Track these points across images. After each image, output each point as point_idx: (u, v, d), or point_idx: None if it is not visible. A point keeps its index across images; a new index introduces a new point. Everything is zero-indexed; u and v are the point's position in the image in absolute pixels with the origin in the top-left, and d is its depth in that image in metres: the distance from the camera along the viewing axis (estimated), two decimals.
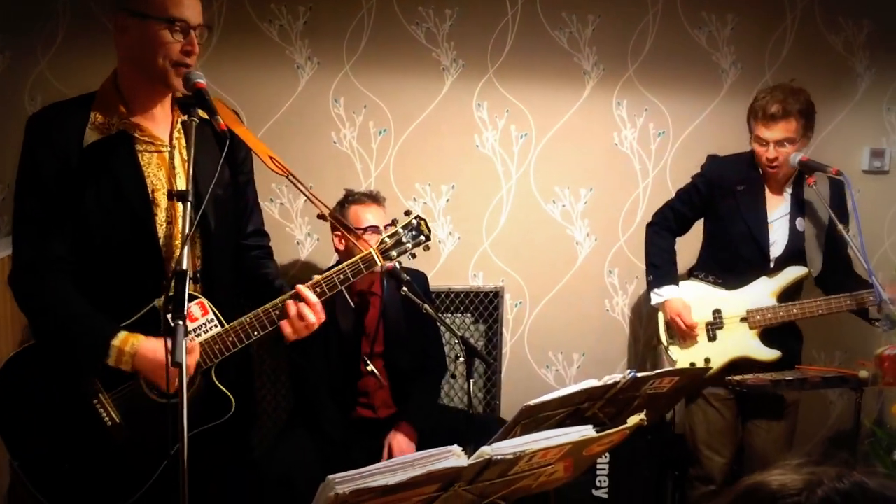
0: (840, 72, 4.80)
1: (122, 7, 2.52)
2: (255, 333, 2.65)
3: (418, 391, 3.85)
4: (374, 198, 3.79)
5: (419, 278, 3.93)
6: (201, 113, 2.49)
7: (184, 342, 2.10)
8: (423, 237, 2.81)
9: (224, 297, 2.71)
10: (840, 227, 3.72)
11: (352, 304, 3.66)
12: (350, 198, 3.80)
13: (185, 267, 2.19)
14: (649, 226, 4.13)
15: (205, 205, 2.44)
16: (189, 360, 2.41)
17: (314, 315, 2.65)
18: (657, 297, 3.97)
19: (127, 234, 2.57)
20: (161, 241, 2.59)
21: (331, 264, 3.90)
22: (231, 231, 2.78)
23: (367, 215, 3.72)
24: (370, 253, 2.74)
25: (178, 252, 2.53)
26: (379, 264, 2.76)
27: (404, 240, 2.79)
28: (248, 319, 2.64)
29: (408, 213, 2.84)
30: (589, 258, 4.57)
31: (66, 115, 2.57)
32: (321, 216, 2.93)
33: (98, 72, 3.69)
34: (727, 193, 3.91)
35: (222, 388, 2.66)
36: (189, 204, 2.30)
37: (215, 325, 2.64)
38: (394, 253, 2.78)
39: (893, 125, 4.89)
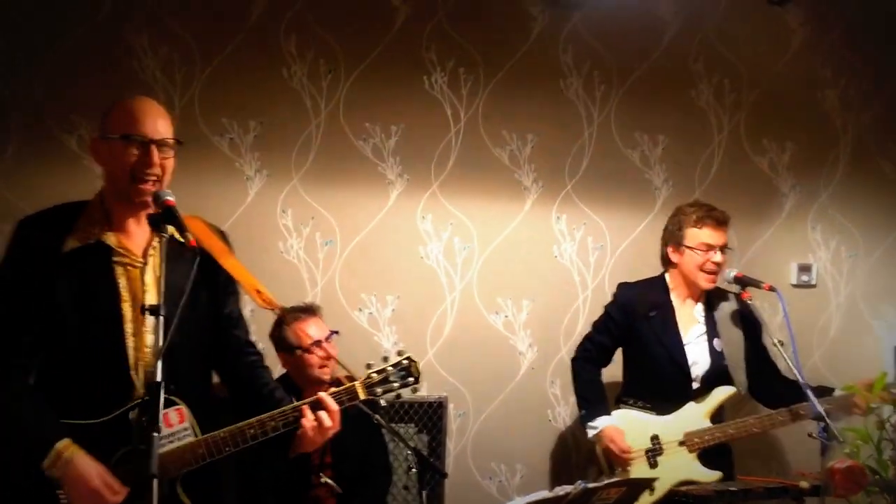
0: (766, 191, 5.03)
1: (97, 134, 2.72)
2: (227, 449, 2.64)
3: None
4: (310, 310, 3.79)
5: None
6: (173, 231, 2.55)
7: (156, 454, 2.17)
8: (411, 379, 2.79)
9: (191, 411, 2.71)
10: (771, 338, 3.83)
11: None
12: (288, 317, 3.76)
13: (158, 379, 2.24)
14: (573, 361, 4.22)
15: (175, 321, 2.43)
16: (111, 498, 2.50)
17: (332, 421, 2.69)
18: (592, 429, 4.00)
19: (96, 342, 2.62)
20: (126, 351, 2.63)
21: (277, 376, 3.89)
22: (198, 347, 2.78)
23: (309, 330, 3.71)
24: (353, 386, 2.74)
25: (143, 364, 2.62)
26: (361, 398, 2.75)
27: (391, 378, 2.77)
28: (222, 434, 2.64)
29: (400, 352, 2.83)
30: (531, 368, 4.62)
31: (52, 221, 2.69)
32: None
33: (48, 185, 3.78)
34: (641, 319, 4.05)
35: (185, 499, 2.64)
36: (161, 318, 2.34)
37: (189, 435, 2.64)
38: (379, 390, 2.76)
39: (818, 241, 5.11)
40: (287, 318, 3.76)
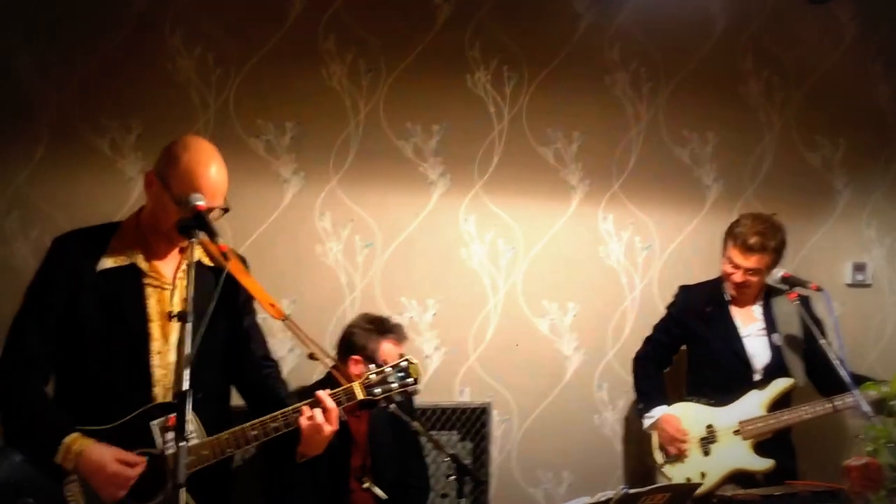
0: (819, 188, 4.90)
1: (156, 165, 2.77)
2: (230, 450, 2.73)
3: None
4: (403, 337, 3.77)
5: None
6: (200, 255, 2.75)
7: (184, 463, 2.22)
8: (410, 380, 2.89)
9: (210, 422, 2.79)
10: (822, 341, 3.80)
11: (344, 416, 3.58)
12: (380, 328, 3.72)
13: (186, 387, 2.29)
14: (634, 360, 4.29)
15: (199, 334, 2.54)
16: (124, 471, 2.59)
17: (329, 422, 2.77)
18: (649, 419, 4.08)
19: (122, 359, 2.73)
20: (150, 368, 2.74)
21: (315, 379, 3.83)
22: (218, 360, 2.88)
23: (394, 355, 3.64)
24: (352, 386, 2.85)
25: (164, 379, 2.74)
26: (359, 398, 2.84)
27: (390, 379, 2.88)
28: (225, 436, 2.71)
29: (401, 354, 3.02)
30: (577, 373, 4.52)
31: (87, 241, 2.79)
32: (311, 356, 2.98)
33: (77, 190, 3.74)
34: (698, 316, 4.10)
35: (191, 500, 2.66)
36: (189, 325, 2.40)
37: (194, 437, 2.71)
38: (377, 390, 2.87)
39: (874, 239, 4.96)
40: (381, 327, 3.73)
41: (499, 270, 4.39)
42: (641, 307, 4.55)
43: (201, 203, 2.60)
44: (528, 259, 4.43)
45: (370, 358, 3.69)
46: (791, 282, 3.94)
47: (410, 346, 4.19)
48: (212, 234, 2.57)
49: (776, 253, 3.95)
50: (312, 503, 3.61)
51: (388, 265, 4.24)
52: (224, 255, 2.63)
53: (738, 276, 3.95)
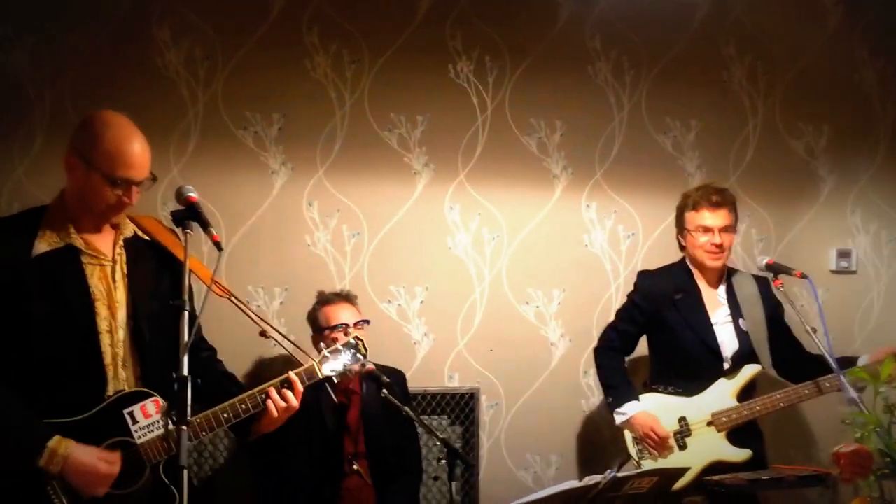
0: (803, 175, 4.92)
1: (73, 147, 2.72)
2: (204, 433, 2.79)
3: (398, 497, 3.80)
4: (344, 297, 3.89)
5: (397, 377, 3.93)
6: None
7: (186, 446, 2.30)
8: (360, 356, 3.04)
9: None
10: (805, 325, 3.76)
11: (335, 400, 3.65)
12: (321, 300, 3.89)
13: (185, 373, 2.35)
14: (596, 350, 4.22)
15: (145, 317, 2.67)
16: (112, 469, 2.61)
17: (295, 401, 2.84)
18: (621, 416, 3.99)
19: (70, 340, 2.68)
20: (101, 347, 2.71)
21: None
22: (168, 343, 2.77)
23: (339, 314, 3.79)
24: (312, 366, 2.95)
25: (117, 358, 2.72)
26: (320, 376, 2.95)
27: (342, 356, 3.02)
28: (197, 420, 2.74)
29: (346, 333, 3.29)
30: (564, 359, 4.56)
31: (15, 229, 2.74)
32: (262, 333, 3.04)
33: None
34: (667, 304, 4.02)
35: (168, 483, 2.70)
36: (186, 313, 2.44)
37: (160, 426, 2.73)
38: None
39: (858, 226, 4.99)
40: (321, 299, 3.89)
41: (484, 258, 4.45)
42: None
43: (193, 195, 2.63)
44: (512, 247, 4.48)
45: (320, 328, 3.81)
46: (775, 269, 3.91)
47: (400, 332, 4.32)
48: (205, 225, 2.61)
49: (735, 209, 4.00)
50: (307, 488, 3.68)
51: (376, 254, 4.30)
52: (219, 245, 2.61)
53: (715, 238, 3.90)
